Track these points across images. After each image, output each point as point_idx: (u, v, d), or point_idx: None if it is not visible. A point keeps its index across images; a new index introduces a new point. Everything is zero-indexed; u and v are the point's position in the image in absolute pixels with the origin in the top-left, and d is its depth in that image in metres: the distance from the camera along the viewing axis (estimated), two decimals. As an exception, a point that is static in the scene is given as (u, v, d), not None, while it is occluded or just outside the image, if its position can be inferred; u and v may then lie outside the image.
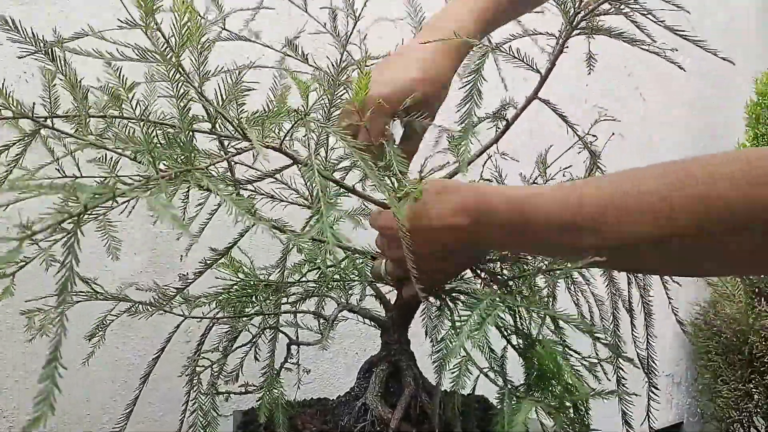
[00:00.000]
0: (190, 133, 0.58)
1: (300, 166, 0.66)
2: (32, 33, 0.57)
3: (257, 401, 0.76)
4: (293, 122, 0.59)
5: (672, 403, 2.32)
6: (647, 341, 0.83)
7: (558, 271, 0.81)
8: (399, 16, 0.92)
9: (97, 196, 0.42)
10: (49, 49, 0.58)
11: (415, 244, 0.61)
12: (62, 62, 0.60)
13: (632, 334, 0.84)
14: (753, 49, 2.66)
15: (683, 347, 2.31)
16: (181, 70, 0.55)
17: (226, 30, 0.81)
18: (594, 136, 0.81)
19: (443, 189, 0.65)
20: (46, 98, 0.62)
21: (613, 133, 0.88)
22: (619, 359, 0.81)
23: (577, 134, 0.78)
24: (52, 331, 0.74)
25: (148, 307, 0.78)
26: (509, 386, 0.71)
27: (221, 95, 0.59)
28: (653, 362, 0.83)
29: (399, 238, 0.66)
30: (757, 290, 2.07)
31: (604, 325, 0.86)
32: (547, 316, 0.78)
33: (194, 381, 0.76)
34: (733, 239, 0.48)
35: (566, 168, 0.88)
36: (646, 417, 0.80)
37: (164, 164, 0.53)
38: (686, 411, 2.36)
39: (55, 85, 0.61)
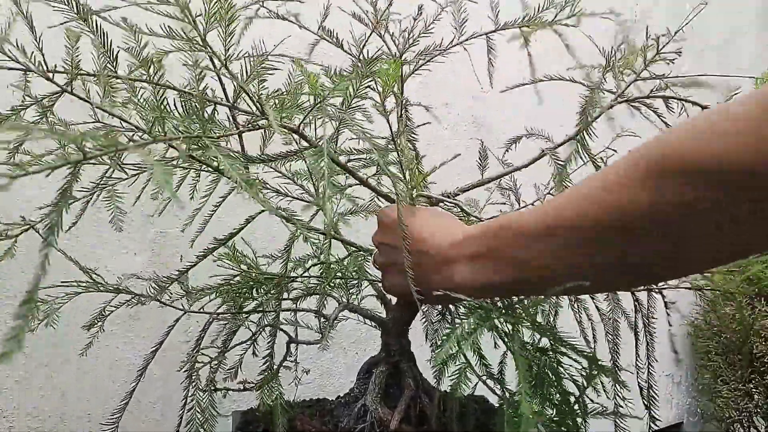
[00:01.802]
0: (208, 104, 0.58)
1: (309, 151, 0.65)
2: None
3: (257, 396, 0.76)
4: (312, 105, 0.59)
5: (672, 403, 2.31)
6: (648, 365, 0.81)
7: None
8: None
9: (98, 146, 0.41)
10: (82, 9, 0.57)
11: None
12: (94, 24, 0.59)
13: (635, 350, 0.83)
14: (753, 49, 2.66)
15: (683, 347, 2.31)
16: (206, 43, 0.54)
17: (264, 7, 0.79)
18: (614, 150, 0.80)
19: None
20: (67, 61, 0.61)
21: (619, 135, 0.87)
22: (617, 364, 0.80)
23: (589, 153, 0.77)
24: (55, 320, 0.74)
25: (149, 298, 0.78)
26: (507, 393, 0.71)
27: (245, 72, 0.59)
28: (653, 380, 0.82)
29: (385, 229, 0.67)
30: (756, 290, 2.07)
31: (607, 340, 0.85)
32: (546, 319, 0.77)
33: (193, 377, 0.75)
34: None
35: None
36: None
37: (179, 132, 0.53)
38: (686, 411, 2.36)
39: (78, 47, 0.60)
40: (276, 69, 0.64)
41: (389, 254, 0.68)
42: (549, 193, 0.84)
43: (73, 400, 1.07)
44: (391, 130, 0.72)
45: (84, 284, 0.75)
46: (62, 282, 0.74)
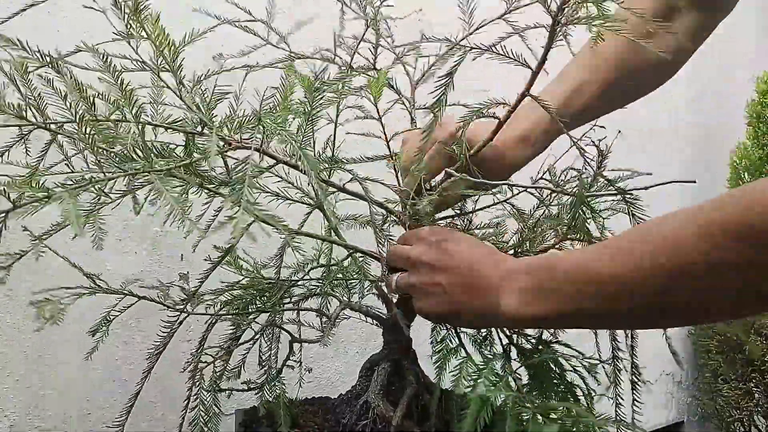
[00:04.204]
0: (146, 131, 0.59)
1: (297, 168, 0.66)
2: (38, 49, 0.58)
3: (257, 397, 0.77)
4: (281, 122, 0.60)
5: (673, 402, 2.32)
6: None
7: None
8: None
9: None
10: (56, 63, 0.59)
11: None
12: (68, 74, 0.61)
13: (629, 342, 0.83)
14: (754, 48, 2.66)
15: (683, 346, 2.31)
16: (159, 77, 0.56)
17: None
18: (601, 126, 0.80)
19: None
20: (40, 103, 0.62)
21: (619, 131, 0.87)
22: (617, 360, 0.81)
23: (571, 139, 0.76)
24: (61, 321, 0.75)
25: (153, 303, 0.79)
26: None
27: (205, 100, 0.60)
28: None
29: (432, 247, 0.68)
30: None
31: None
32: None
33: (196, 378, 0.76)
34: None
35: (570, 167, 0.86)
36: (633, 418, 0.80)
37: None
38: (687, 410, 2.37)
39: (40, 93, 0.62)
40: (227, 93, 0.65)
41: (430, 275, 0.68)
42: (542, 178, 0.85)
43: (74, 399, 1.07)
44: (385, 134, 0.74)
45: (88, 288, 0.76)
46: (65, 287, 0.75)
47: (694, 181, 0.71)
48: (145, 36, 0.60)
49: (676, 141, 2.35)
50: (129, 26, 0.60)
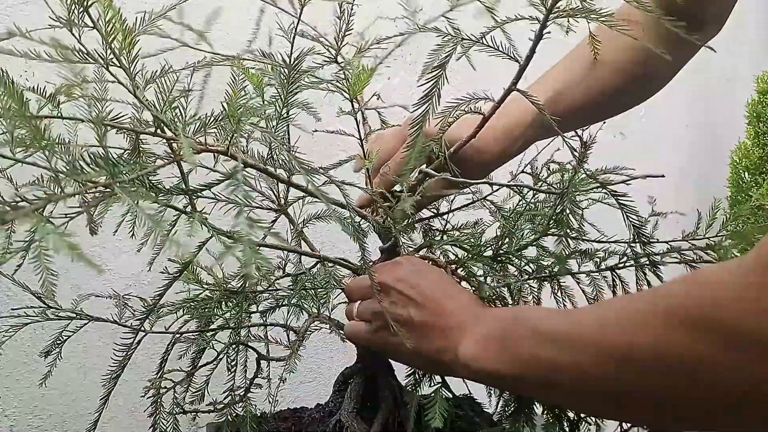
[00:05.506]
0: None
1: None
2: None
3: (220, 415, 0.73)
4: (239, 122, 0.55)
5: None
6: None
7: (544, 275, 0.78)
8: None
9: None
10: None
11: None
12: None
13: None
14: (754, 47, 2.63)
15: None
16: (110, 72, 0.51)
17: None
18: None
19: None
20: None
21: (621, 132, 0.84)
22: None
23: (561, 134, 0.72)
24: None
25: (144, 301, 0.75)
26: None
27: (162, 98, 0.55)
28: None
29: (409, 277, 0.64)
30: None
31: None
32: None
33: (157, 402, 0.72)
34: None
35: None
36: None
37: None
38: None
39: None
40: (190, 90, 0.61)
41: (403, 306, 0.63)
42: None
43: (75, 399, 1.07)
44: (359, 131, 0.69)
45: (35, 311, 0.72)
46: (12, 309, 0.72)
47: (663, 176, 0.67)
48: (92, 25, 0.55)
49: (675, 140, 2.32)
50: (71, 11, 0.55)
